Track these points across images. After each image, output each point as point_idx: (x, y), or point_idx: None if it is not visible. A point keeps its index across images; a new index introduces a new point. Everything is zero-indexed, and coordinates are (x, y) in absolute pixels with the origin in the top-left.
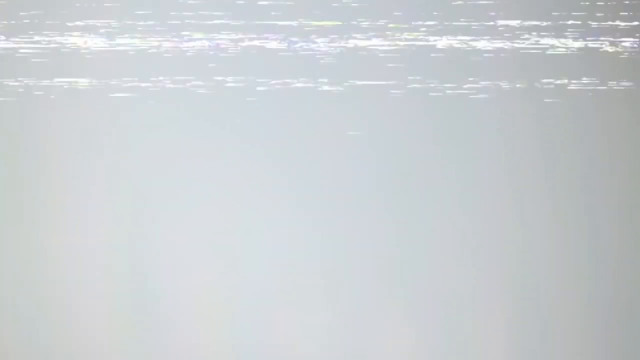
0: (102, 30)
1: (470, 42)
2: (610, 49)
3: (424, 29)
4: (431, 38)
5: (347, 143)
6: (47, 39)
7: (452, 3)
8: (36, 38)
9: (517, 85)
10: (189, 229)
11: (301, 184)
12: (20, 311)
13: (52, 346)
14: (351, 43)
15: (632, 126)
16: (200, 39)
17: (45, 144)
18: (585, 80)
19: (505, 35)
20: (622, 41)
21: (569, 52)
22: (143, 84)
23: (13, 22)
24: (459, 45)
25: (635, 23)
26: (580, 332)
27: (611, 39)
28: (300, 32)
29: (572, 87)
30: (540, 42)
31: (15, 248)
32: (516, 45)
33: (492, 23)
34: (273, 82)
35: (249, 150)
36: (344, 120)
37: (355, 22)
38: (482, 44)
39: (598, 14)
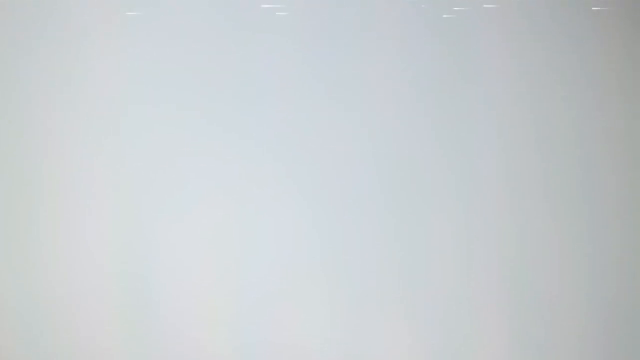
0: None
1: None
2: None
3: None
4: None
5: (347, 141)
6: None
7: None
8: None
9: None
10: (188, 229)
11: (301, 183)
12: (20, 312)
13: (52, 347)
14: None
15: (632, 125)
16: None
17: (44, 143)
18: None
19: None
20: None
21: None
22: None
23: None
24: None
25: None
26: (580, 332)
27: None
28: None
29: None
30: None
31: (15, 249)
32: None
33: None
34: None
35: (248, 149)
36: (344, 118)
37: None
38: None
39: None
